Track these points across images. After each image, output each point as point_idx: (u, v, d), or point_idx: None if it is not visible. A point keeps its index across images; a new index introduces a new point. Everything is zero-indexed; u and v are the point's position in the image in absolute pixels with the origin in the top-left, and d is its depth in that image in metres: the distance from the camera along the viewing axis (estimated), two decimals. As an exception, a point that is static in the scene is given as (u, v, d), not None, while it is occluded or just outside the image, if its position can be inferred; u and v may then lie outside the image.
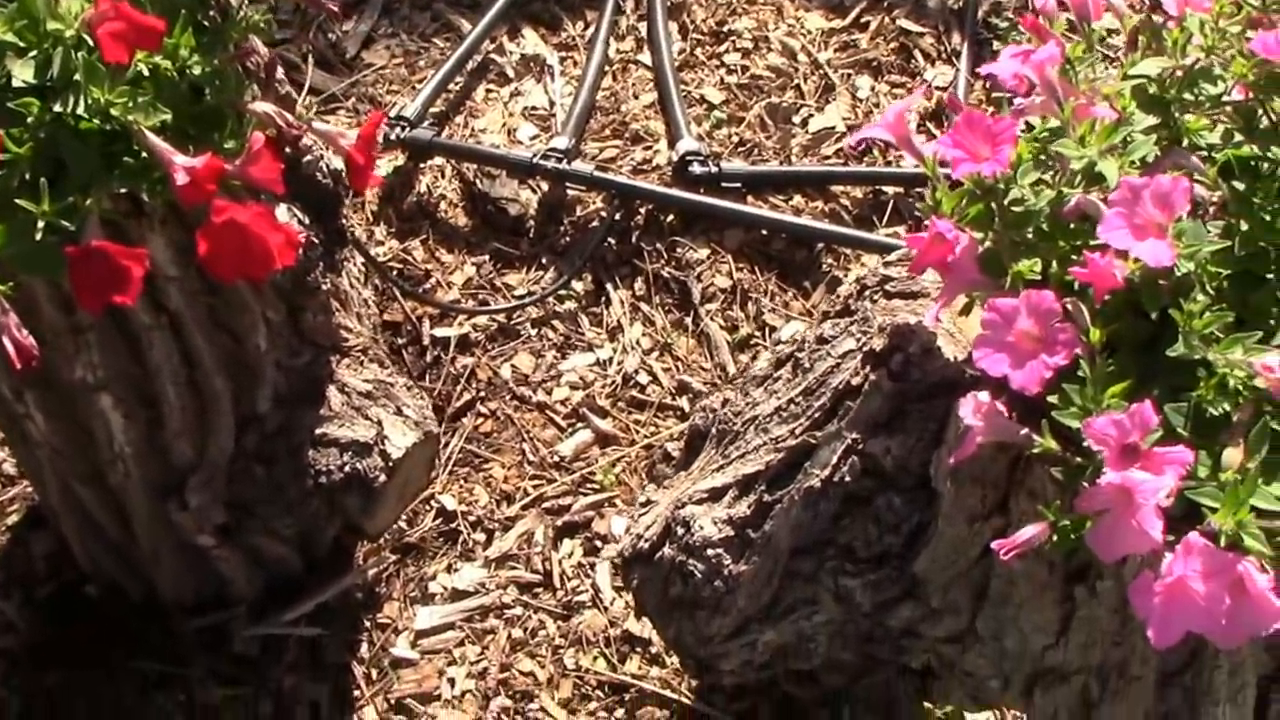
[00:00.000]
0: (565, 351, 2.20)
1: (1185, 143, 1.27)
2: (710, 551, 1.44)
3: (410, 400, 1.79)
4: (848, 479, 1.37)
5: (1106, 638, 1.32)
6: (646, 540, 1.51)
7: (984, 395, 1.21)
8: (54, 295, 1.47)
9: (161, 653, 1.93)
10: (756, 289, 2.21)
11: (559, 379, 2.17)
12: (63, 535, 1.91)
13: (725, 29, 2.53)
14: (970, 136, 1.20)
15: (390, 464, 1.71)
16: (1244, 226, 1.20)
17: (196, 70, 1.40)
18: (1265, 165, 1.22)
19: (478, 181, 2.34)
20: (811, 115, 2.44)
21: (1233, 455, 1.14)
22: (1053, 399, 1.16)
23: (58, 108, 1.33)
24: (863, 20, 2.59)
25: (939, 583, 1.37)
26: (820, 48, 2.52)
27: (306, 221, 1.65)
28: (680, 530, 1.47)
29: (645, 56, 2.52)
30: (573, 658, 1.92)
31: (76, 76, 1.34)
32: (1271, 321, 1.21)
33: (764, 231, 2.24)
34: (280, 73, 1.55)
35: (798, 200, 2.29)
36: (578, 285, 2.26)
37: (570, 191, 2.33)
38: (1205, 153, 1.27)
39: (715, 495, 1.47)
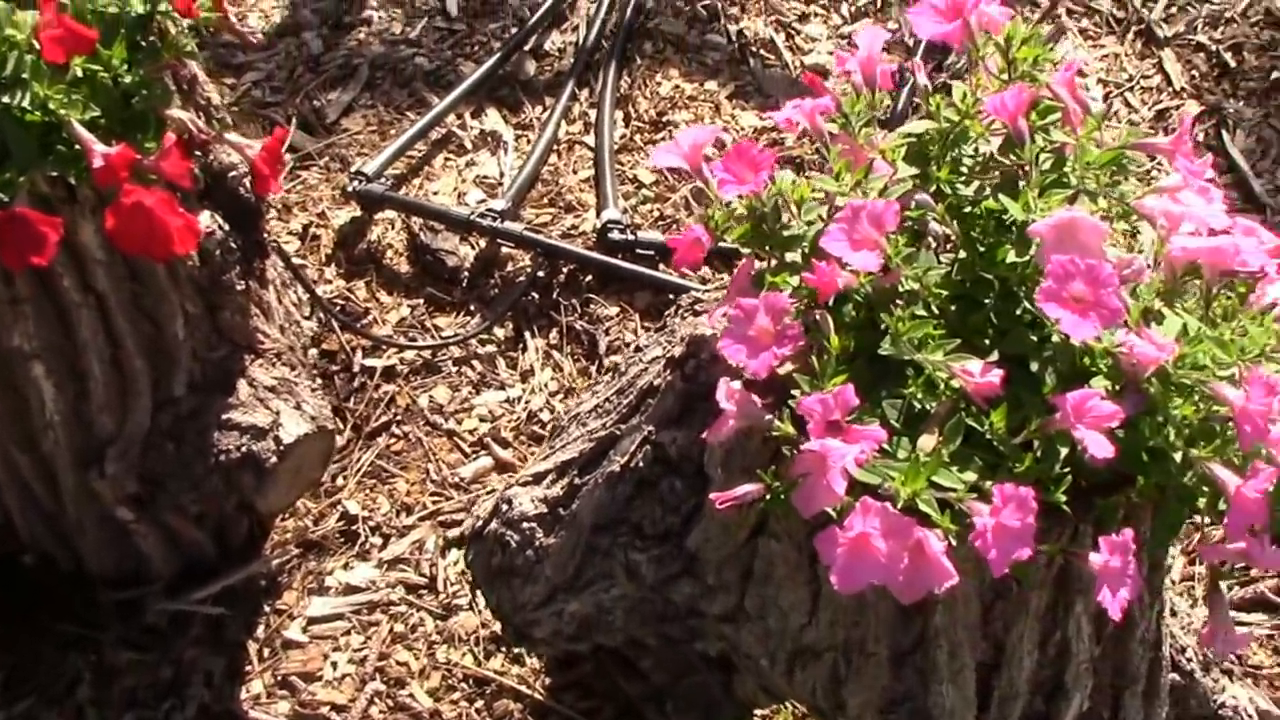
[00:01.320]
0: (480, 388, 2.42)
1: (934, 189, 1.48)
2: (525, 525, 1.65)
3: (311, 399, 2.02)
4: (641, 465, 1.58)
5: (847, 616, 1.51)
6: (480, 519, 1.72)
7: (736, 383, 1.42)
8: (-5, 268, 1.71)
9: (81, 618, 2.14)
10: (659, 346, 2.43)
11: (470, 411, 2.39)
12: (6, 508, 2.13)
13: (664, 119, 2.79)
14: (738, 163, 1.43)
15: (282, 448, 1.93)
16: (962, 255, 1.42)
17: (127, 79, 1.66)
18: (979, 208, 1.43)
19: (422, 234, 2.59)
20: (735, 202, 2.67)
21: (927, 441, 1.35)
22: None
23: (5, 99, 1.59)
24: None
25: (713, 561, 1.57)
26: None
27: (226, 229, 1.89)
28: (504, 507, 1.68)
29: (591, 138, 2.77)
30: (444, 652, 2.12)
31: (24, 75, 1.60)
32: (987, 341, 1.42)
33: (671, 295, 2.47)
34: (210, 88, 1.81)
35: (705, 271, 2.52)
36: (499, 331, 2.49)
37: (504, 249, 2.57)
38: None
39: (538, 478, 1.68)
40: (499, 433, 2.36)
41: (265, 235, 1.99)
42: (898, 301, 1.42)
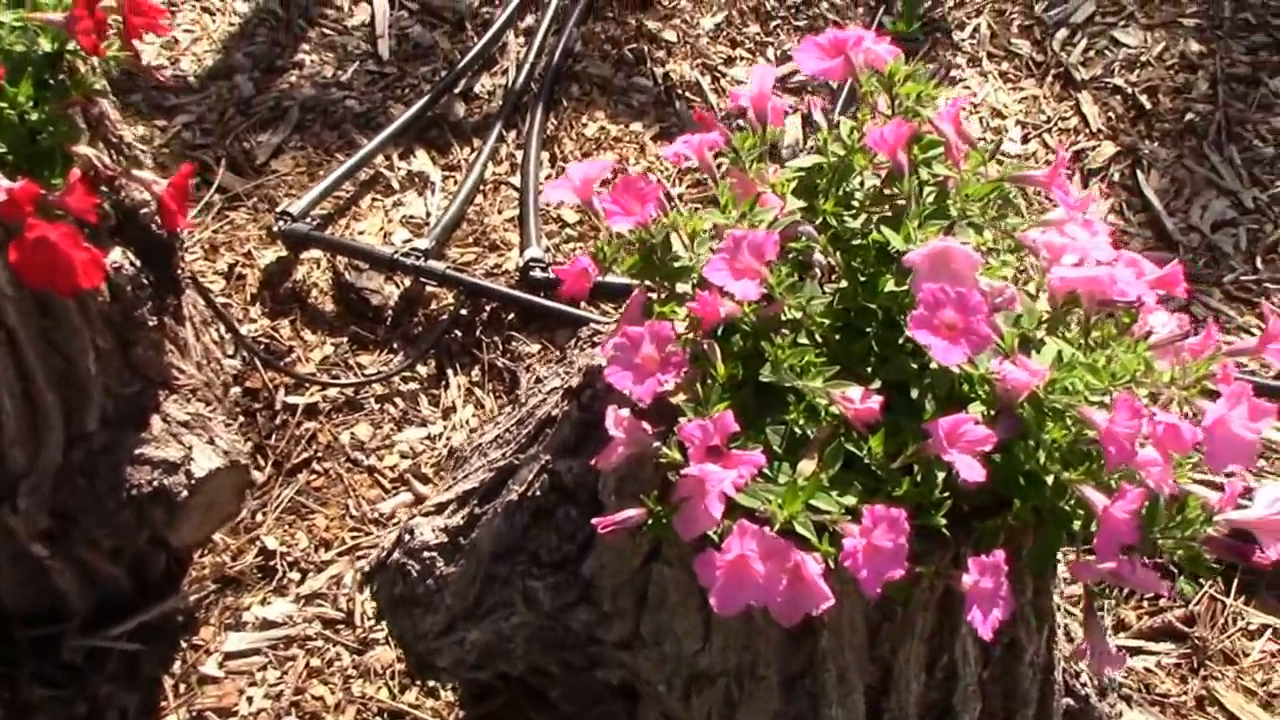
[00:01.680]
0: (402, 425, 2.44)
1: (820, 220, 1.52)
2: (426, 554, 1.67)
3: (225, 434, 2.03)
4: (538, 494, 1.60)
5: (738, 641, 1.53)
6: (384, 550, 1.74)
7: (625, 411, 1.45)
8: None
9: (-4, 655, 2.15)
10: (579, 383, 2.45)
11: (391, 448, 2.41)
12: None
13: (590, 159, 2.83)
14: (626, 196, 1.46)
15: (193, 482, 1.95)
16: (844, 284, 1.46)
17: (33, 116, 1.68)
18: (865, 240, 1.47)
19: (346, 273, 2.61)
20: (660, 241, 2.71)
21: (806, 465, 1.38)
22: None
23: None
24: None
25: (608, 588, 1.59)
26: (674, 183, 2.80)
27: (138, 264, 1.91)
28: (406, 537, 1.70)
29: (517, 179, 2.81)
30: (360, 686, 2.13)
31: (-68, 112, 1.63)
32: (870, 369, 1.45)
33: (591, 332, 2.50)
34: (121, 126, 1.83)
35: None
36: (422, 369, 2.51)
37: (428, 288, 2.60)
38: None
39: (439, 509, 1.70)
40: (419, 469, 2.38)
41: (180, 271, 2.01)
42: (783, 330, 1.45)
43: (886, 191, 1.53)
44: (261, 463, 2.37)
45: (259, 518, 2.31)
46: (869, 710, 1.55)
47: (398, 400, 2.47)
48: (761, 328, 1.44)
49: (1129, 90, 3.00)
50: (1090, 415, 1.33)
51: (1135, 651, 2.23)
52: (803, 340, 1.43)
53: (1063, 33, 3.13)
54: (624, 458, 1.45)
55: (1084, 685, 1.80)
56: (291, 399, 2.46)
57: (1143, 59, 3.06)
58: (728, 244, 1.40)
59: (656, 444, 1.42)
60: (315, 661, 2.16)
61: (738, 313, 1.42)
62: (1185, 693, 2.19)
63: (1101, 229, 1.57)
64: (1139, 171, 2.85)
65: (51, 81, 1.73)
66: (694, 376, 1.42)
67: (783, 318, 1.44)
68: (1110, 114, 2.97)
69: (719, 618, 1.53)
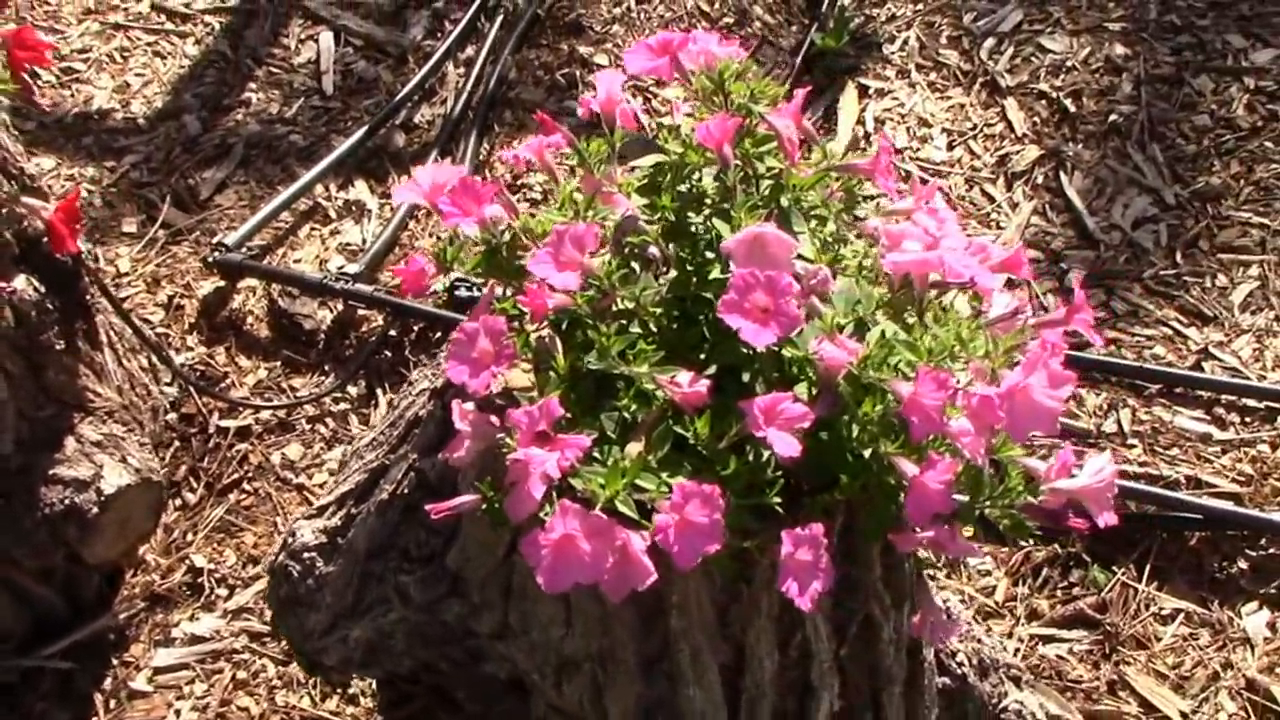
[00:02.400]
0: (332, 444, 2.51)
1: (659, 216, 1.57)
2: (306, 555, 1.72)
3: (138, 453, 2.10)
4: (407, 491, 1.66)
5: (595, 626, 1.58)
6: (273, 555, 1.80)
7: (469, 405, 1.50)
8: None
9: (-69, 677, 2.22)
10: (505, 397, 2.51)
11: (321, 466, 2.47)
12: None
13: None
14: (464, 197, 1.52)
15: (103, 499, 2.02)
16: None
17: (-80, 148, 1.76)
18: (693, 230, 1.53)
19: (280, 300, 2.68)
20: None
21: (634, 447, 1.43)
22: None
23: None
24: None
25: (475, 579, 1.64)
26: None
27: (42, 290, 1.99)
28: (289, 539, 1.75)
29: (450, 204, 2.87)
30: (284, 696, 2.18)
31: None
32: (703, 356, 1.51)
33: (515, 348, 2.56)
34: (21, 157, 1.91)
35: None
36: (353, 389, 2.58)
37: (360, 311, 2.66)
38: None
39: (320, 511, 1.76)
40: (347, 485, 2.44)
41: (89, 296, 2.09)
42: (620, 321, 1.50)
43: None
44: (194, 485, 2.44)
45: (189, 537, 2.37)
46: (726, 690, 1.59)
47: (329, 420, 2.54)
48: (596, 319, 1.49)
49: (1054, 95, 3.04)
50: (897, 387, 1.38)
51: (1048, 640, 2.27)
52: (635, 329, 1.48)
53: (990, 42, 3.18)
54: (474, 451, 1.51)
55: (960, 665, 1.83)
56: (225, 423, 2.53)
57: (1068, 64, 3.10)
58: (552, 238, 1.45)
59: (500, 435, 1.47)
60: (241, 674, 2.22)
61: (568, 304, 1.47)
62: (1097, 678, 2.22)
63: (949, 216, 1.62)
64: (1062, 173, 2.90)
65: (-59, 116, 1.81)
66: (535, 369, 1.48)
67: (615, 308, 1.49)
68: (1035, 118, 3.01)
69: (577, 604, 1.58)
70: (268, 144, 3.07)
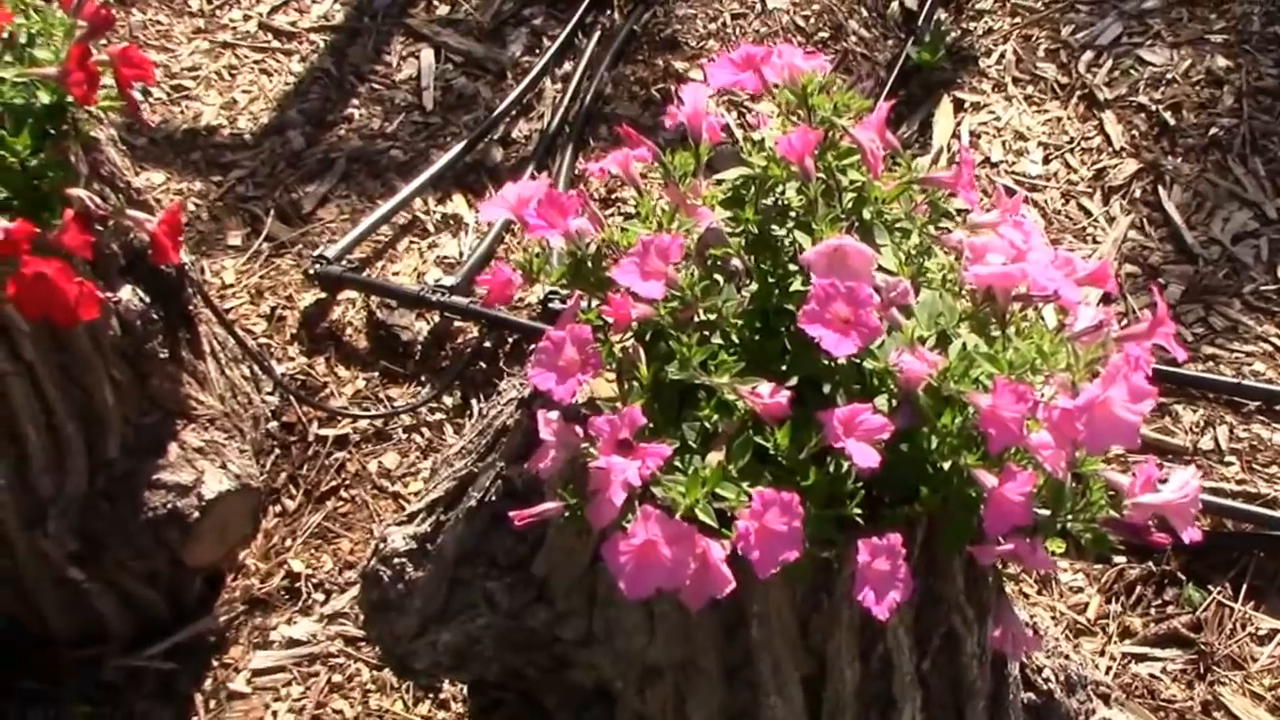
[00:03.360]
0: (428, 453, 2.55)
1: (742, 229, 1.59)
2: (396, 560, 1.76)
3: (238, 460, 2.16)
4: (494, 499, 1.69)
5: (678, 633, 1.60)
6: (366, 560, 1.84)
7: (554, 414, 1.53)
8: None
9: (43, 676, 2.29)
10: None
11: (417, 475, 2.52)
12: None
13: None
14: (550, 210, 1.55)
15: (203, 504, 2.07)
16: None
17: (33, 163, 1.82)
18: (778, 242, 1.54)
19: (379, 312, 2.74)
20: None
21: (713, 457, 1.45)
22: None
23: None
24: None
25: (561, 586, 1.67)
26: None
27: (148, 301, 2.05)
28: (381, 545, 1.79)
29: (546, 217, 2.91)
30: (378, 700, 2.23)
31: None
32: (784, 367, 1.52)
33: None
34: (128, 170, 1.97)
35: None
36: (448, 399, 2.62)
37: (455, 323, 2.71)
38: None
39: (411, 517, 1.79)
40: (442, 494, 2.48)
41: (192, 306, 2.15)
42: (700, 332, 1.52)
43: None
44: (294, 491, 2.49)
45: (288, 543, 2.43)
46: (808, 700, 1.60)
47: (424, 430, 2.58)
48: (678, 330, 1.51)
49: (1153, 108, 3.02)
50: (975, 399, 1.38)
51: (1140, 659, 2.25)
52: (717, 340, 1.50)
53: (1088, 55, 3.16)
54: (560, 460, 1.53)
55: (1047, 680, 1.83)
56: (324, 431, 2.58)
57: (1168, 76, 3.08)
58: (637, 248, 1.48)
59: (584, 444, 1.50)
60: (337, 677, 2.26)
61: (651, 314, 1.50)
62: (1191, 698, 2.19)
63: (1034, 228, 1.62)
64: (1160, 187, 2.87)
65: (53, 131, 1.87)
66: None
67: (697, 319, 1.51)
68: (1134, 132, 2.99)
69: (660, 612, 1.60)
70: (369, 159, 3.13)
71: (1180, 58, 3.11)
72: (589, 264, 1.59)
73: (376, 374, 2.68)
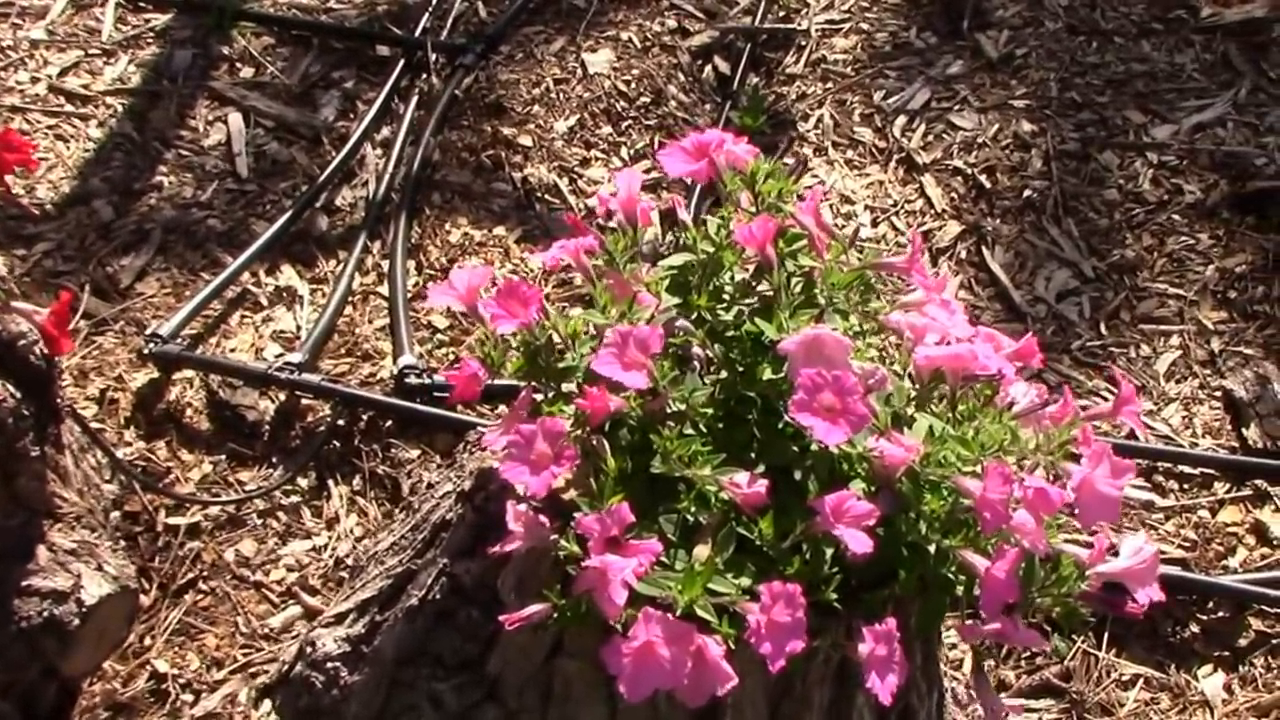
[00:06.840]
0: (286, 538, 2.45)
1: (695, 315, 1.59)
2: (329, 665, 1.68)
3: (112, 559, 2.02)
4: (438, 597, 1.63)
5: (644, 728, 1.57)
6: (285, 664, 1.75)
7: (523, 506, 1.49)
8: None
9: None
10: (461, 485, 2.49)
11: (277, 562, 2.42)
12: None
13: (455, 265, 2.88)
14: (509, 300, 1.52)
15: (84, 610, 1.94)
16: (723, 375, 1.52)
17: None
18: (739, 331, 1.54)
19: (220, 391, 2.62)
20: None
21: (701, 551, 1.43)
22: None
23: None
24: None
25: (514, 684, 1.62)
26: (540, 284, 2.87)
27: (18, 396, 1.91)
28: (308, 649, 1.71)
29: (385, 288, 2.85)
30: (268, 811, 2.12)
31: None
32: (753, 454, 1.52)
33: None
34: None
35: (503, 408, 2.60)
36: (303, 481, 2.53)
37: (304, 400, 2.62)
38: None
39: (340, 619, 1.72)
40: (307, 581, 2.39)
41: (59, 400, 2.01)
42: (669, 423, 1.50)
43: (755, 284, 1.60)
44: (146, 585, 2.36)
45: (147, 641, 2.29)
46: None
47: (280, 514, 2.48)
48: (648, 421, 1.50)
49: (969, 171, 3.14)
50: (965, 484, 1.41)
51: (1018, 710, 2.31)
52: (688, 431, 1.49)
53: (902, 119, 3.27)
54: (522, 552, 1.50)
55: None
56: (173, 520, 2.46)
57: (979, 140, 3.21)
58: (614, 339, 1.45)
59: (554, 537, 1.47)
60: (217, 786, 2.15)
61: (625, 407, 1.48)
62: (1068, 746, 2.27)
63: (958, 307, 1.66)
64: (984, 248, 2.98)
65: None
66: (586, 472, 1.48)
67: (667, 410, 1.50)
68: (953, 194, 3.10)
69: (625, 707, 1.57)
70: (185, 229, 3.00)
71: (988, 122, 3.25)
72: (542, 355, 1.56)
73: (223, 457, 2.56)
